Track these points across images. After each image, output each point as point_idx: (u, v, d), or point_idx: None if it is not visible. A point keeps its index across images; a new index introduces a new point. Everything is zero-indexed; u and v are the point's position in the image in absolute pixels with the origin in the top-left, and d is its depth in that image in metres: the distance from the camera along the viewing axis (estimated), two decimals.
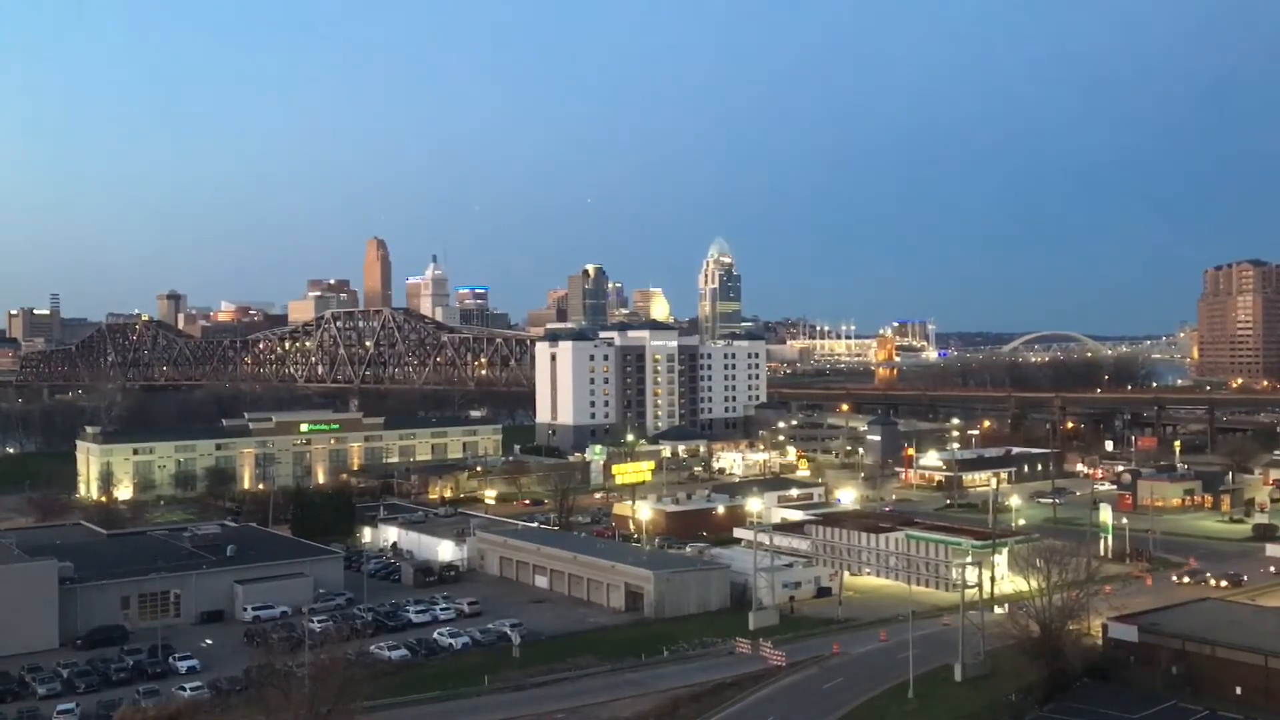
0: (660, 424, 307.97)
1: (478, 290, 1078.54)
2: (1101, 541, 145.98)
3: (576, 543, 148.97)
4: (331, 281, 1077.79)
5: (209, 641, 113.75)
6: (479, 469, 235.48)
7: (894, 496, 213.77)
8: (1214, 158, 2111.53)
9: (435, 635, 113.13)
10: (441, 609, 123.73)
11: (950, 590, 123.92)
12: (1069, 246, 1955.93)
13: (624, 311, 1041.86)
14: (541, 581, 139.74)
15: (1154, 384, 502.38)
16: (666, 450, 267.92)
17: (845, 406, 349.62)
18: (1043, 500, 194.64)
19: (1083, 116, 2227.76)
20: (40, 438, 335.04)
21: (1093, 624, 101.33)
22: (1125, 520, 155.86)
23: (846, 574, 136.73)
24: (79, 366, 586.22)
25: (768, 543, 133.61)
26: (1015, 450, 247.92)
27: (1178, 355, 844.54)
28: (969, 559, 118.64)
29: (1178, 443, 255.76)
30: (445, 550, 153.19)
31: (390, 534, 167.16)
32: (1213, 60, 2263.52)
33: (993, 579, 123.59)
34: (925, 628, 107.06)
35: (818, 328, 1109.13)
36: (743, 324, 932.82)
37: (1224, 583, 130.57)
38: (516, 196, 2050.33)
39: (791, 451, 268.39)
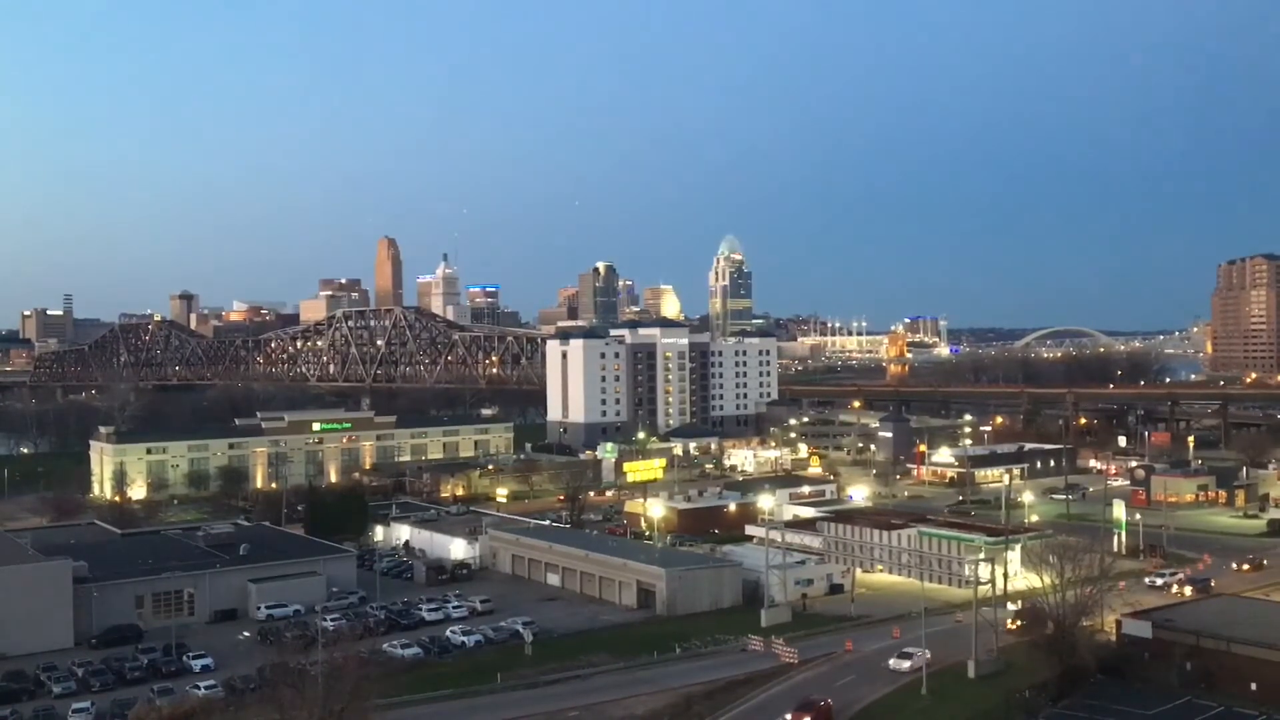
0: (671, 422, 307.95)
1: (488, 289, 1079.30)
2: (1115, 538, 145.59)
3: (588, 541, 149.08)
4: (343, 281, 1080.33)
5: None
6: (491, 467, 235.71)
7: (906, 493, 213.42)
8: (1228, 151, 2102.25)
9: (448, 633, 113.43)
10: (454, 607, 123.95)
11: (963, 587, 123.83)
12: (1081, 241, 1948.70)
13: (635, 309, 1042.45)
14: (553, 579, 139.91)
15: (1167, 379, 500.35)
16: (678, 448, 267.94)
17: (857, 403, 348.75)
18: (1056, 496, 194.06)
19: (1094, 110, 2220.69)
20: (54, 438, 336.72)
21: (1107, 620, 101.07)
22: (1139, 516, 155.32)
23: (859, 571, 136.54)
24: (92, 366, 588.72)
25: (780, 540, 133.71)
26: (1028, 446, 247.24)
27: (1191, 350, 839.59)
28: (982, 555, 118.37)
29: (1191, 438, 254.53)
30: (457, 548, 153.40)
31: (402, 532, 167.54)
32: (1226, 52, 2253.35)
33: (1006, 575, 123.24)
34: (938, 624, 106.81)
35: (829, 324, 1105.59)
36: (753, 321, 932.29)
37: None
38: (526, 195, 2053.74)
39: (803, 449, 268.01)
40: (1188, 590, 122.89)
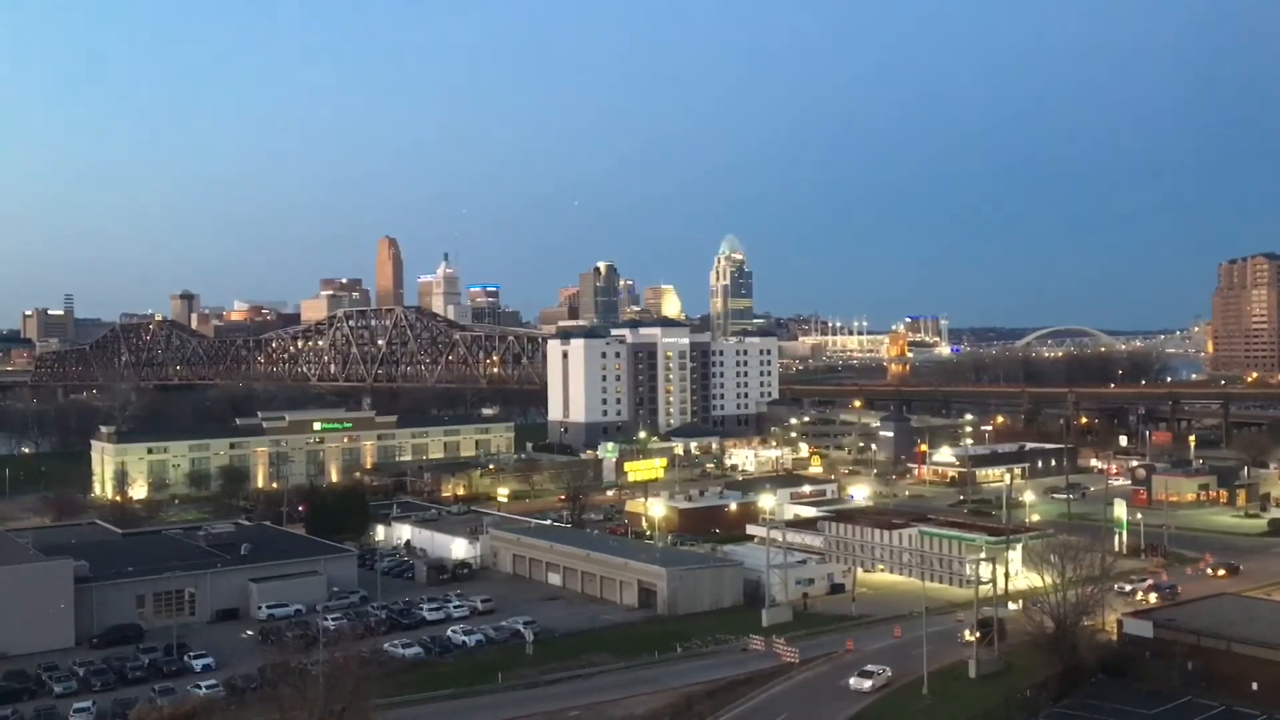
0: (672, 421, 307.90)
1: (489, 288, 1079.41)
2: (1116, 537, 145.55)
3: (589, 540, 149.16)
4: (344, 280, 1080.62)
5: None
6: (491, 467, 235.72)
7: (907, 493, 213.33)
8: (1229, 150, 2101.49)
9: (449, 633, 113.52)
10: (455, 607, 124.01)
11: (964, 586, 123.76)
12: (1081, 241, 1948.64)
13: (635, 309, 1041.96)
14: (554, 579, 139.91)
15: (1168, 378, 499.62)
16: (679, 447, 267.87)
17: (858, 403, 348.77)
18: (1057, 496, 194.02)
19: (1094, 110, 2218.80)
20: (55, 438, 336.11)
21: (1108, 619, 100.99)
22: (1140, 515, 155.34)
23: (860, 570, 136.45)
24: (93, 366, 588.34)
25: (780, 539, 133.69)
26: (1029, 446, 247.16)
27: (1192, 349, 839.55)
28: (983, 555, 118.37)
29: (1192, 437, 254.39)
30: (458, 548, 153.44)
31: (403, 532, 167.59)
32: (1227, 52, 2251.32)
33: (1007, 575, 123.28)
34: (939, 624, 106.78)
35: (829, 324, 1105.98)
36: (754, 321, 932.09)
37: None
38: (526, 195, 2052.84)
39: (804, 448, 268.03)
40: (1153, 597, 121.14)
